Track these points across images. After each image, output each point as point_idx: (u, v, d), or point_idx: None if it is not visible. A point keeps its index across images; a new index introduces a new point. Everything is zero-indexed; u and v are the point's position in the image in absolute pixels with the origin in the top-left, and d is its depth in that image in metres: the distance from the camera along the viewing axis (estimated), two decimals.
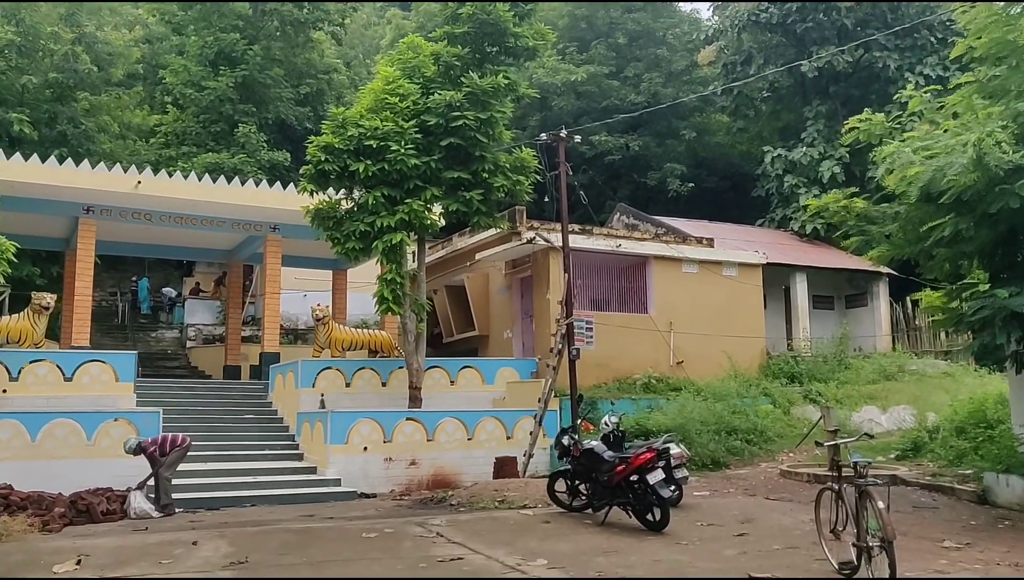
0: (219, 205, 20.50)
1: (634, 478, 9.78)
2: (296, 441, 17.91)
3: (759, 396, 19.94)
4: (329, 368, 19.05)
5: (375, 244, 17.32)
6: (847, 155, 28.71)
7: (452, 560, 8.05)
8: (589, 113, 34.26)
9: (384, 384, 19.39)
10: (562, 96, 34.67)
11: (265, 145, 31.71)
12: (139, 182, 19.55)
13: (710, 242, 24.15)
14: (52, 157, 19.60)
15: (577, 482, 10.98)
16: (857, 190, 17.04)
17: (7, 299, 21.28)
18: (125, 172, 19.90)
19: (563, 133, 18.35)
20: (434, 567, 7.76)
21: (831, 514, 8.02)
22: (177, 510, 13.28)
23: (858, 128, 13.41)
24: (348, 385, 19.08)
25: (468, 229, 24.22)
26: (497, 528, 9.87)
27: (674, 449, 10.81)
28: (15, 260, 26.04)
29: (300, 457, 17.32)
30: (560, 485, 11.34)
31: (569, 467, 11.09)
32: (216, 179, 21.01)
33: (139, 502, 12.64)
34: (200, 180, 20.78)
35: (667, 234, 24.55)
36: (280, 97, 34.05)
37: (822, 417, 9.23)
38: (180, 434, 13.73)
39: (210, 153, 30.68)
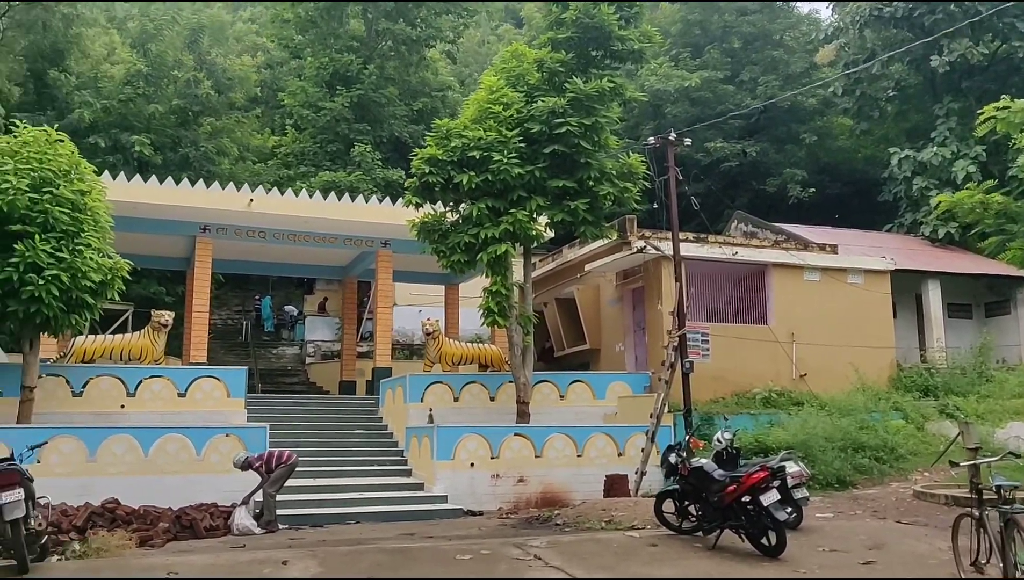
0: (330, 221, 20.67)
1: (747, 499, 9.05)
2: (404, 457, 17.75)
3: (889, 411, 18.66)
4: (437, 382, 18.85)
5: (480, 256, 17.05)
6: (983, 153, 26.84)
7: None
8: (704, 120, 33.16)
9: (492, 399, 19.05)
10: (676, 103, 33.82)
11: (380, 163, 32.08)
12: (251, 200, 19.88)
13: (833, 249, 22.91)
14: (170, 179, 20.15)
15: (686, 503, 10.29)
16: (995, 184, 15.68)
17: (130, 317, 22.00)
18: (239, 191, 20.27)
19: (672, 136, 17.67)
20: None
21: (972, 543, 7.13)
22: (281, 527, 13.23)
23: (995, 117, 12.27)
24: (456, 400, 18.82)
25: (577, 241, 23.73)
26: (600, 551, 9.29)
27: (791, 467, 9.99)
28: (131, 278, 27.42)
29: (408, 473, 17.13)
30: (668, 505, 10.67)
31: (677, 487, 10.42)
32: (337, 198, 21.20)
33: (242, 518, 12.63)
34: (312, 197, 21.02)
35: (787, 241, 23.42)
36: (394, 115, 34.46)
37: (960, 433, 8.33)
38: (287, 450, 13.70)
39: (327, 172, 31.25)
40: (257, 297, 37.95)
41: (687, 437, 11.89)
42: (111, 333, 20.79)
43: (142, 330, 18.93)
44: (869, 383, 19.97)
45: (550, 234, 19.57)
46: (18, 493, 8.40)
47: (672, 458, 10.49)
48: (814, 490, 13.49)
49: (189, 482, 14.18)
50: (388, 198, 21.63)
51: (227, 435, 14.87)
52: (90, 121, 25.92)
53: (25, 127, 14.77)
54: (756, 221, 27.57)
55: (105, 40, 32.13)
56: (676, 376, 17.05)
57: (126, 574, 7.93)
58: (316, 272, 27.59)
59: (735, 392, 19.67)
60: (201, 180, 20.53)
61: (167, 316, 18.79)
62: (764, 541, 9.04)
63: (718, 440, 10.75)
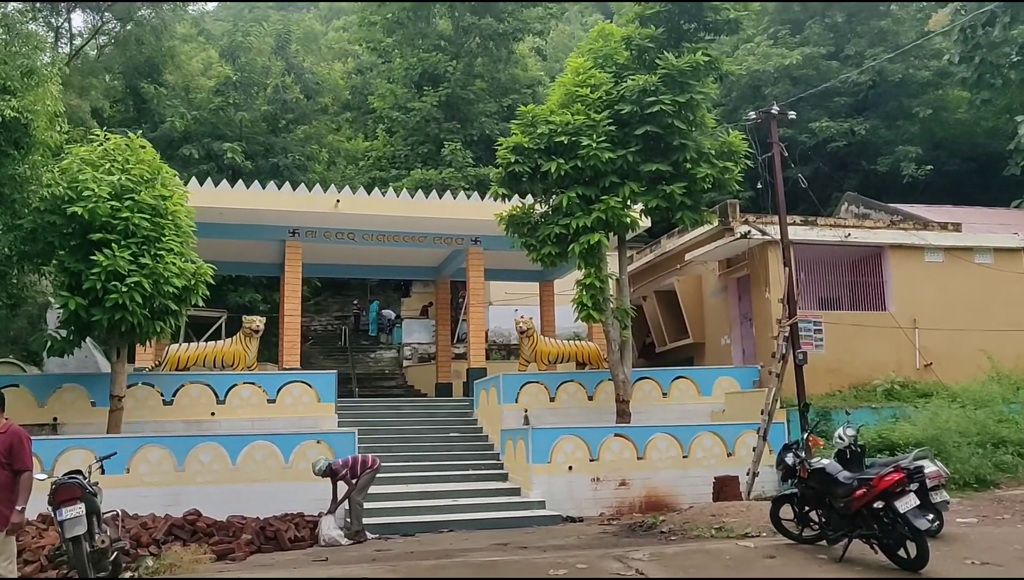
0: (418, 220, 20.12)
1: (878, 504, 7.89)
2: (500, 460, 17.00)
3: None
4: (532, 382, 18.04)
5: (571, 247, 16.14)
6: None
7: None
8: (807, 100, 31.47)
9: (590, 398, 18.12)
10: (776, 83, 32.12)
11: (471, 161, 31.53)
12: (338, 201, 19.46)
13: (956, 227, 21.11)
14: (256, 183, 19.93)
15: (807, 508, 9.15)
16: None
17: (223, 324, 21.92)
18: (325, 192, 19.91)
19: (775, 109, 16.40)
20: None
21: None
22: (370, 536, 12.62)
23: None
24: (552, 400, 17.98)
25: (676, 229, 22.59)
26: (709, 564, 8.28)
27: (929, 467, 8.74)
28: (228, 287, 27.63)
29: (504, 477, 16.37)
30: (786, 511, 9.55)
31: (795, 491, 9.29)
32: (425, 196, 20.66)
33: (329, 529, 12.04)
34: (399, 196, 20.51)
35: (904, 221, 21.72)
36: (484, 113, 33.87)
37: None
38: (371, 455, 13.07)
39: (418, 171, 30.89)
40: (356, 302, 38.04)
41: (804, 435, 10.70)
42: (204, 341, 20.71)
43: (234, 337, 18.72)
44: (1004, 371, 18.18)
45: (646, 223, 18.55)
46: (79, 509, 7.95)
47: (789, 459, 9.36)
48: (951, 491, 12.07)
49: (277, 490, 13.73)
50: (476, 193, 20.91)
51: (316, 442, 14.37)
52: (182, 131, 26.12)
53: (107, 136, 14.61)
54: (868, 202, 25.81)
55: (202, 56, 32.59)
56: (788, 369, 15.78)
57: None
58: (409, 273, 27.13)
59: (853, 384, 18.24)
60: (287, 184, 20.22)
61: (258, 321, 18.50)
62: (902, 553, 7.86)
63: (839, 437, 9.55)
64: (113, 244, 13.49)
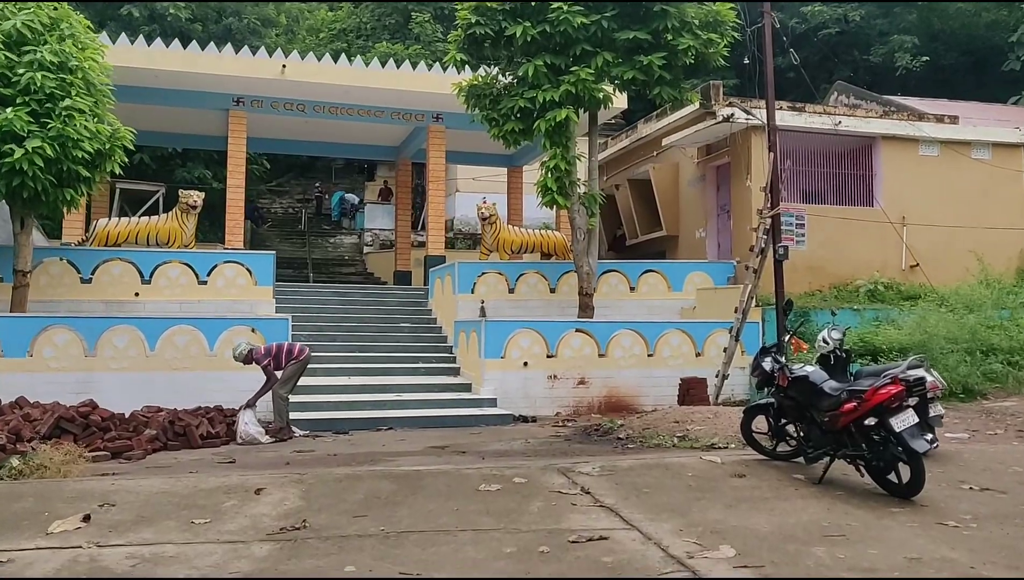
0: (373, 91, 18.38)
1: (871, 421, 6.68)
2: (453, 354, 15.79)
3: (1021, 307, 15.79)
4: (490, 272, 16.70)
5: (537, 124, 14.55)
6: None
7: (589, 540, 5.41)
8: None
9: (552, 290, 16.84)
10: None
11: (441, 37, 29.41)
12: (284, 66, 17.65)
13: (953, 120, 19.65)
14: (195, 43, 18.00)
15: (783, 421, 7.95)
16: None
17: (161, 200, 20.26)
18: (271, 57, 18.04)
19: None
20: (558, 554, 5.16)
21: None
22: (299, 433, 11.41)
23: None
24: (511, 291, 16.68)
25: (654, 114, 20.99)
26: (668, 484, 7.10)
27: (928, 377, 7.53)
28: (177, 162, 25.79)
29: (456, 372, 15.21)
30: (760, 423, 8.36)
31: (772, 400, 8.07)
32: (375, 64, 18.80)
33: (247, 425, 10.78)
34: (352, 65, 18.66)
35: (898, 113, 20.20)
36: None
37: None
38: (299, 344, 11.73)
39: (384, 44, 28.81)
40: (318, 185, 36.46)
41: (786, 337, 9.47)
42: (140, 216, 19.07)
43: (170, 212, 17.15)
44: (995, 275, 17.05)
45: (620, 100, 16.96)
46: None
47: (767, 364, 8.08)
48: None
49: (200, 380, 12.52)
50: (438, 64, 19.07)
51: (244, 327, 13.04)
52: None
53: None
54: (860, 92, 24.22)
55: None
56: (767, 265, 14.54)
57: (47, 506, 6.07)
58: (367, 153, 25.34)
59: (834, 284, 17.06)
60: (229, 45, 18.28)
61: (196, 196, 16.92)
62: (892, 477, 6.70)
63: (823, 341, 8.30)
64: (9, 103, 11.76)
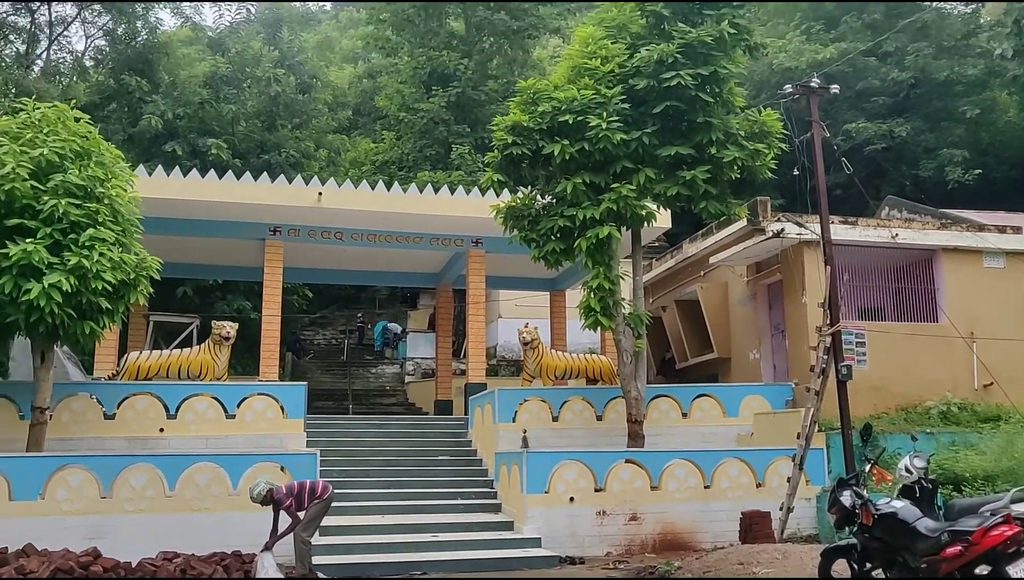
0: (411, 217, 18.02)
1: (982, 569, 5.61)
2: (494, 488, 14.77)
3: None
4: (532, 399, 15.80)
5: (577, 242, 13.95)
6: None
7: None
8: (842, 99, 29.12)
9: (599, 418, 15.86)
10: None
11: (482, 165, 29.47)
12: (320, 194, 17.43)
13: (1017, 230, 18.70)
14: (230, 173, 17.95)
15: (869, 566, 6.85)
16: None
17: (195, 332, 19.90)
18: (307, 185, 17.88)
19: (814, 82, 14.17)
20: None
21: None
22: (322, 577, 10.40)
23: None
24: (555, 419, 15.73)
25: (699, 232, 20.41)
26: None
27: None
28: (216, 294, 25.63)
29: (496, 508, 14.16)
30: (841, 566, 7.25)
31: (855, 541, 6.99)
32: (412, 189, 18.58)
33: (265, 571, 9.77)
34: (389, 190, 18.42)
35: (957, 225, 19.33)
36: (496, 114, 31.79)
37: None
38: (321, 482, 10.82)
39: (425, 172, 28.89)
40: (360, 315, 36.19)
41: (867, 466, 8.42)
42: (173, 348, 18.65)
43: (203, 344, 16.70)
44: None
45: (664, 218, 16.37)
46: None
47: (846, 498, 7.03)
48: None
49: (222, 521, 11.66)
50: (476, 189, 18.77)
51: (269, 464, 12.23)
52: (165, 128, 24.18)
53: (37, 107, 12.59)
54: (913, 206, 23.35)
55: (194, 51, 30.87)
56: (830, 386, 13.50)
57: None
58: (407, 280, 24.92)
59: (901, 406, 15.87)
60: (265, 174, 18.20)
61: (229, 327, 16.48)
62: None
63: (906, 470, 7.30)
64: (29, 234, 11.45)
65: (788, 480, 13.01)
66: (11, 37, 28.70)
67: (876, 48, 29.98)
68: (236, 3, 30.67)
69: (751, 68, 27.32)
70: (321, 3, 48.64)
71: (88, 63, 29.21)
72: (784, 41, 30.39)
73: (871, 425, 8.84)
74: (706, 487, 13.58)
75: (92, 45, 29.34)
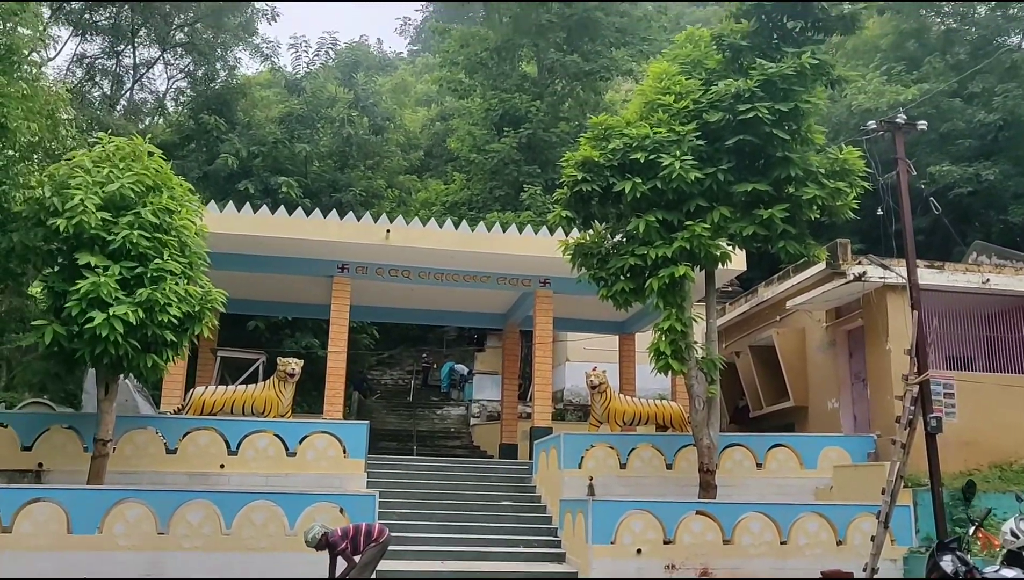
0: (477, 255, 17.80)
1: None
2: (558, 537, 14.23)
3: None
4: (599, 444, 15.26)
5: (649, 282, 13.45)
6: None
7: None
8: (925, 142, 28.21)
9: (669, 466, 15.22)
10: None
11: (551, 206, 29.22)
12: (388, 231, 17.34)
13: None
14: (299, 210, 18.00)
15: None
16: None
17: (261, 368, 19.86)
18: (376, 222, 17.80)
19: (900, 118, 13.54)
20: None
21: None
22: None
23: None
24: (623, 467, 15.15)
25: (776, 276, 19.72)
26: None
27: None
28: (285, 331, 25.71)
29: (560, 558, 13.62)
30: None
31: None
32: (481, 227, 18.40)
33: None
34: (456, 229, 18.24)
35: None
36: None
37: None
38: (378, 524, 10.45)
39: (495, 213, 28.78)
40: (425, 355, 36.06)
41: (971, 529, 7.74)
42: (239, 384, 18.62)
43: (268, 381, 16.58)
44: None
45: (739, 262, 15.83)
46: None
47: (947, 564, 6.40)
48: None
49: (277, 562, 11.45)
50: (545, 228, 18.46)
51: (327, 504, 11.94)
52: (240, 166, 24.51)
53: (111, 141, 12.72)
54: (1003, 252, 22.23)
55: (270, 93, 31.50)
56: (915, 437, 12.69)
57: None
58: (473, 320, 24.60)
59: (994, 462, 14.90)
60: (334, 212, 18.19)
61: (294, 364, 16.30)
62: None
63: (1012, 533, 6.62)
64: (100, 265, 11.46)
65: (872, 539, 12.18)
66: (98, 79, 29.65)
67: (961, 89, 29.02)
68: (314, 45, 30.83)
69: (829, 109, 26.62)
70: (398, 50, 49.27)
71: (169, 104, 29.95)
72: (863, 82, 29.59)
73: (975, 482, 8.10)
74: (782, 543, 12.85)
75: (173, 86, 30.10)
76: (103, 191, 11.71)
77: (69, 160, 12.31)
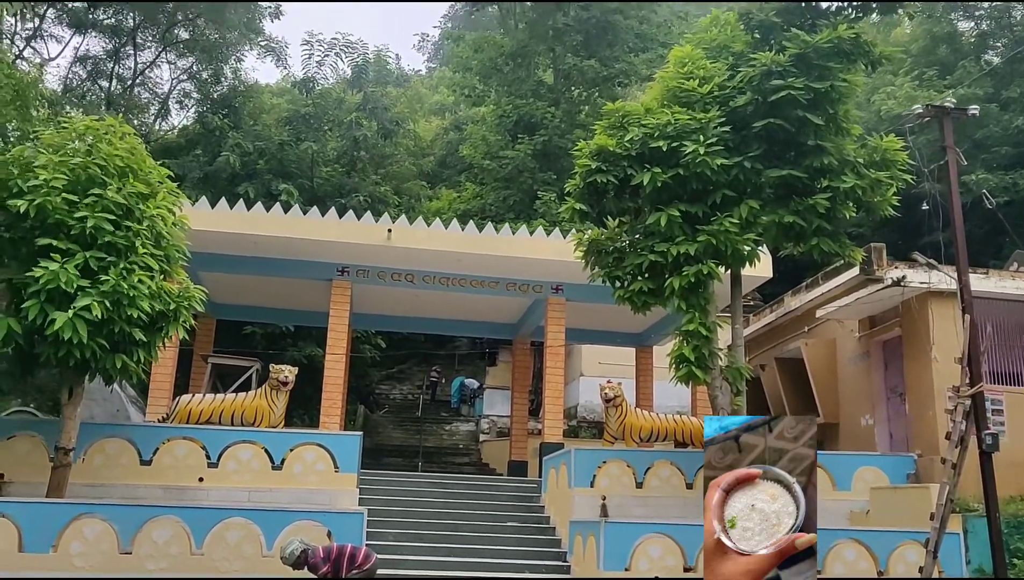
0: (485, 258, 16.71)
1: None
2: (567, 561, 12.95)
3: None
4: (612, 461, 13.98)
5: (669, 281, 12.23)
6: None
7: None
8: (960, 148, 26.90)
9: (689, 486, 13.90)
10: (922, 130, 27.55)
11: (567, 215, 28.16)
12: (390, 231, 16.26)
13: None
14: (295, 207, 16.96)
15: None
16: None
17: (255, 376, 18.74)
18: (377, 221, 16.72)
19: (949, 102, 12.31)
20: None
21: None
22: None
23: None
24: (639, 486, 13.86)
25: (804, 285, 18.47)
26: None
27: None
28: (288, 340, 24.64)
29: None
30: None
31: None
32: (488, 228, 17.30)
33: None
34: (463, 229, 17.15)
35: None
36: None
37: None
38: (363, 548, 9.24)
39: (508, 221, 27.72)
40: (435, 369, 34.99)
41: None
42: (231, 392, 17.51)
43: (259, 389, 15.47)
44: None
45: (765, 268, 14.69)
46: None
47: None
48: None
49: None
50: (557, 231, 17.31)
51: (310, 522, 10.74)
52: (237, 166, 23.52)
53: (82, 120, 11.66)
54: None
55: (280, 99, 30.70)
56: (966, 457, 11.39)
57: None
58: (481, 330, 23.45)
59: None
60: (332, 210, 17.13)
61: (288, 372, 15.17)
62: None
63: None
64: (63, 248, 10.38)
65: (920, 570, 10.87)
66: (101, 81, 28.88)
67: (997, 95, 27.74)
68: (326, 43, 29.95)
69: (857, 115, 25.55)
70: (416, 68, 48.54)
71: (173, 107, 29.18)
72: (893, 87, 28.37)
73: None
74: (817, 572, 11.53)
75: (178, 88, 29.26)
76: (69, 171, 10.64)
77: (36, 140, 11.30)
